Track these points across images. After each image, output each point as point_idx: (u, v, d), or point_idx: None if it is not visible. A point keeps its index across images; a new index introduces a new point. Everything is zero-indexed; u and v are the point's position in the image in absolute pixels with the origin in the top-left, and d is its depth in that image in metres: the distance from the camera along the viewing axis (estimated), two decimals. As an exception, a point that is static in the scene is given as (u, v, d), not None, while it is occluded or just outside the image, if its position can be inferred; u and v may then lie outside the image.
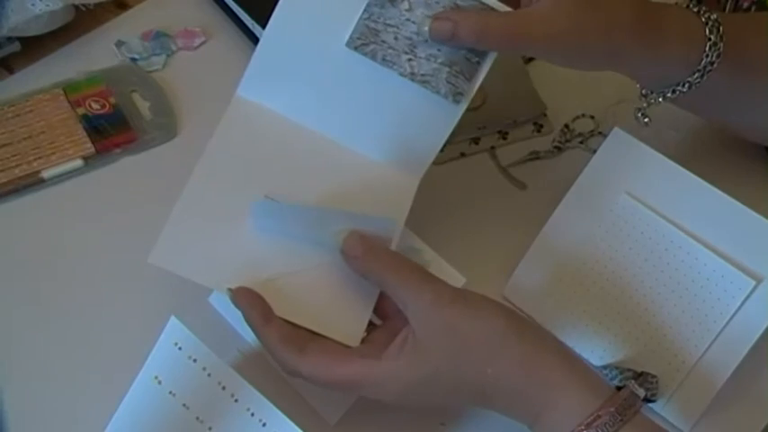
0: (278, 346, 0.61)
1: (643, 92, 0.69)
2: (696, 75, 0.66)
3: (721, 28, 0.66)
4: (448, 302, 0.59)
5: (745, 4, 0.86)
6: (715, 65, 0.65)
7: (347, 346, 0.62)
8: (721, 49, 0.65)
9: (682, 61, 0.65)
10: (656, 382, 0.64)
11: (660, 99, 0.68)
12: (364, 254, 0.61)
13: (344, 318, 0.63)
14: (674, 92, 0.67)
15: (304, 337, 0.62)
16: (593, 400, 0.57)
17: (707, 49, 0.65)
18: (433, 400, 0.61)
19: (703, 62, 0.65)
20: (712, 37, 0.65)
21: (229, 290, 0.62)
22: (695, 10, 0.67)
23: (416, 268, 0.61)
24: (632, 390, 0.58)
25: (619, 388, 0.58)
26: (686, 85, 0.66)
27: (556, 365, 0.58)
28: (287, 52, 0.67)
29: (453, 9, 0.63)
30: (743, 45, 0.67)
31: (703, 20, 0.66)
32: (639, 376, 0.63)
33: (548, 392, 0.57)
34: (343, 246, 0.62)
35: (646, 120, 0.69)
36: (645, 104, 0.69)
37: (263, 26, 0.83)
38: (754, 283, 0.64)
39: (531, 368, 0.58)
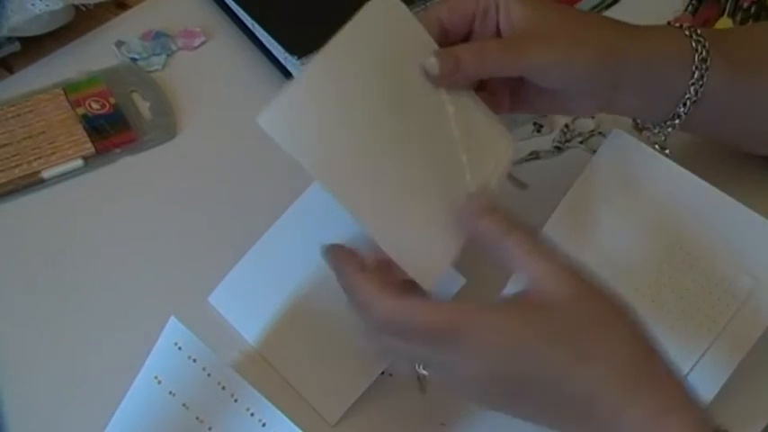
0: (371, 287, 0.56)
1: (653, 127, 0.69)
2: (696, 74, 0.66)
3: (699, 30, 0.66)
4: (579, 278, 0.55)
5: (745, 4, 0.86)
6: (708, 62, 0.66)
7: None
8: (707, 46, 0.66)
9: (674, 59, 0.66)
10: None
11: (677, 121, 0.68)
12: (492, 213, 0.58)
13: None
14: (685, 104, 0.67)
15: (402, 288, 0.58)
16: (710, 418, 0.54)
17: (693, 44, 0.66)
18: (527, 390, 0.54)
19: (696, 58, 0.66)
20: (694, 35, 0.66)
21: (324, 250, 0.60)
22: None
23: (540, 237, 0.58)
24: None
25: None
26: (692, 89, 0.66)
27: (672, 373, 0.55)
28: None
29: (453, 48, 0.63)
30: (728, 42, 0.68)
31: (677, 25, 0.67)
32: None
33: (670, 392, 0.54)
34: (475, 198, 0.59)
35: (666, 151, 0.69)
36: (662, 136, 0.69)
37: (264, 26, 0.84)
38: (754, 283, 0.64)
39: (655, 365, 0.54)
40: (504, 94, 0.68)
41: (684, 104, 0.67)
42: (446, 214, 0.61)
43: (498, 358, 0.54)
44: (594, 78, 0.65)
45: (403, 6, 0.64)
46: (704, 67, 0.66)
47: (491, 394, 0.56)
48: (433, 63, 0.62)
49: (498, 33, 0.65)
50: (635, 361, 0.54)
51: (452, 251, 0.61)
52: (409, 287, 0.58)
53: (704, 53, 0.66)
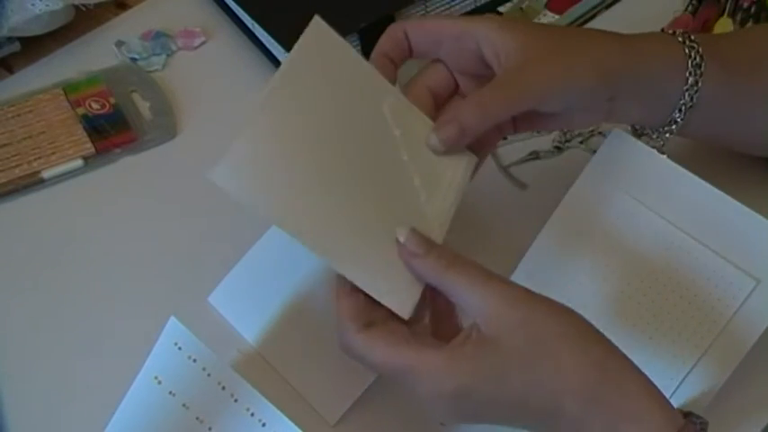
0: (343, 314, 0.58)
1: (652, 132, 0.69)
2: (690, 80, 0.66)
3: (692, 36, 0.66)
4: (522, 298, 0.56)
5: (745, 4, 0.86)
6: (703, 67, 0.66)
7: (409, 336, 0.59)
8: (701, 51, 0.66)
9: (668, 67, 0.66)
10: (705, 425, 0.59)
11: (673, 126, 0.68)
12: (427, 252, 0.59)
13: None
14: (680, 110, 0.67)
15: (374, 318, 0.58)
16: (674, 416, 0.55)
17: (686, 50, 0.66)
18: (493, 410, 0.56)
19: (690, 64, 0.66)
20: (687, 41, 0.66)
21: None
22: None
23: (480, 267, 0.58)
24: (697, 421, 0.56)
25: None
26: (687, 95, 0.66)
27: (634, 373, 0.55)
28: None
29: (447, 113, 0.64)
30: (722, 47, 0.68)
31: (671, 32, 0.67)
32: (686, 416, 0.58)
33: (628, 402, 0.54)
34: (406, 242, 0.59)
35: (664, 156, 0.69)
36: (660, 142, 0.69)
37: (264, 26, 0.84)
38: (754, 283, 0.64)
39: (613, 372, 0.55)
40: (508, 120, 0.68)
41: (680, 110, 0.67)
42: None
43: (454, 399, 0.55)
44: (593, 96, 0.65)
45: (336, 35, 0.64)
46: (698, 72, 0.66)
47: (455, 416, 0.57)
48: (435, 141, 0.63)
49: (485, 62, 0.65)
50: (588, 376, 0.55)
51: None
52: (381, 316, 0.59)
53: (698, 58, 0.66)
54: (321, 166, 0.60)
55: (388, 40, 0.66)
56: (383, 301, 0.59)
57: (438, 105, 0.67)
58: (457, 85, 0.67)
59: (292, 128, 0.60)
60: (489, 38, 0.64)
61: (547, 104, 0.64)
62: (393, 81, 0.66)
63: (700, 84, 0.66)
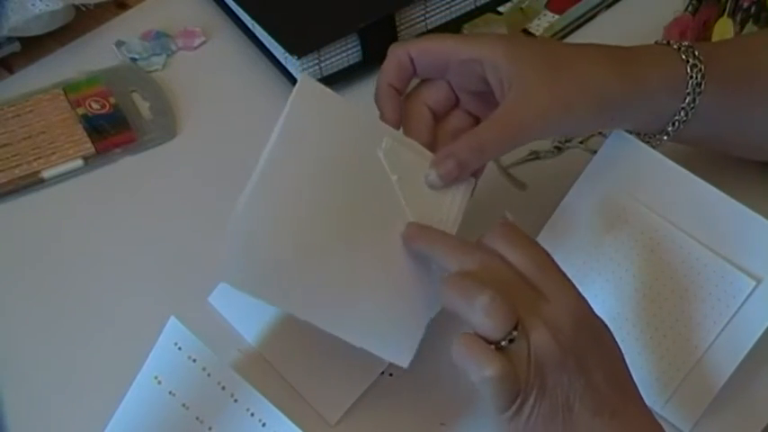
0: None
1: (646, 137, 0.69)
2: (688, 99, 0.66)
3: (696, 51, 0.67)
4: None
5: (745, 4, 0.86)
6: (702, 86, 0.66)
7: None
8: (704, 70, 0.66)
9: (667, 88, 0.66)
10: None
11: (665, 137, 0.68)
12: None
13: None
14: (674, 124, 0.67)
15: None
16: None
17: (688, 70, 0.66)
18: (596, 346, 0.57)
19: (690, 84, 0.66)
20: (690, 59, 0.66)
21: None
22: (664, 42, 0.68)
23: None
24: None
25: None
26: (683, 112, 0.66)
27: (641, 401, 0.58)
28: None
29: (444, 148, 0.65)
30: (723, 61, 0.68)
31: (675, 47, 0.67)
32: None
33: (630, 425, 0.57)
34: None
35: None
36: (651, 145, 0.69)
37: (264, 26, 0.84)
38: (754, 283, 0.64)
39: (626, 388, 0.58)
40: None
41: (674, 124, 0.67)
42: (409, 290, 0.63)
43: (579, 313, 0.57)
44: (591, 124, 0.67)
45: (324, 89, 0.64)
46: (698, 91, 0.66)
47: (577, 330, 0.57)
48: (435, 177, 0.64)
49: (487, 83, 0.66)
50: (614, 378, 0.57)
51: (421, 326, 0.63)
52: None
53: (699, 77, 0.66)
54: (319, 235, 0.62)
55: (392, 65, 0.67)
56: (383, 357, 0.62)
57: (437, 119, 0.68)
58: (457, 99, 0.68)
59: (286, 200, 0.61)
60: (495, 65, 0.64)
61: (544, 137, 0.69)
62: (398, 112, 0.67)
63: (696, 101, 0.66)
